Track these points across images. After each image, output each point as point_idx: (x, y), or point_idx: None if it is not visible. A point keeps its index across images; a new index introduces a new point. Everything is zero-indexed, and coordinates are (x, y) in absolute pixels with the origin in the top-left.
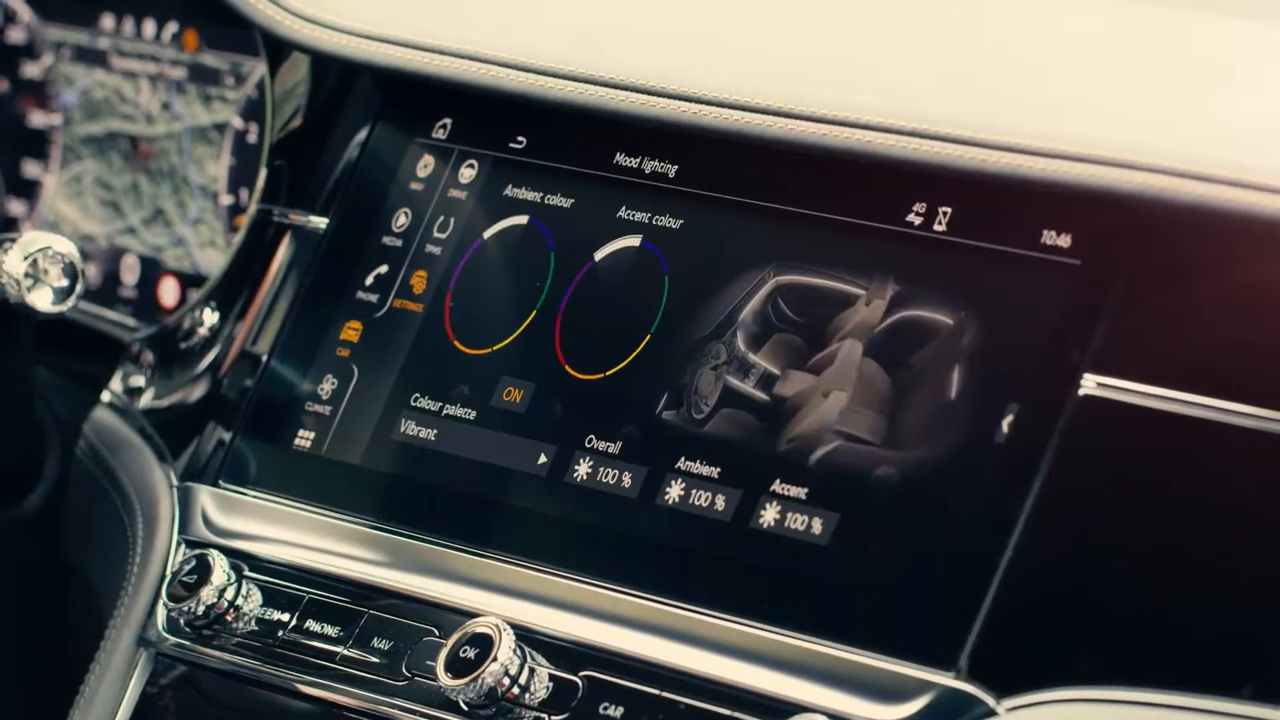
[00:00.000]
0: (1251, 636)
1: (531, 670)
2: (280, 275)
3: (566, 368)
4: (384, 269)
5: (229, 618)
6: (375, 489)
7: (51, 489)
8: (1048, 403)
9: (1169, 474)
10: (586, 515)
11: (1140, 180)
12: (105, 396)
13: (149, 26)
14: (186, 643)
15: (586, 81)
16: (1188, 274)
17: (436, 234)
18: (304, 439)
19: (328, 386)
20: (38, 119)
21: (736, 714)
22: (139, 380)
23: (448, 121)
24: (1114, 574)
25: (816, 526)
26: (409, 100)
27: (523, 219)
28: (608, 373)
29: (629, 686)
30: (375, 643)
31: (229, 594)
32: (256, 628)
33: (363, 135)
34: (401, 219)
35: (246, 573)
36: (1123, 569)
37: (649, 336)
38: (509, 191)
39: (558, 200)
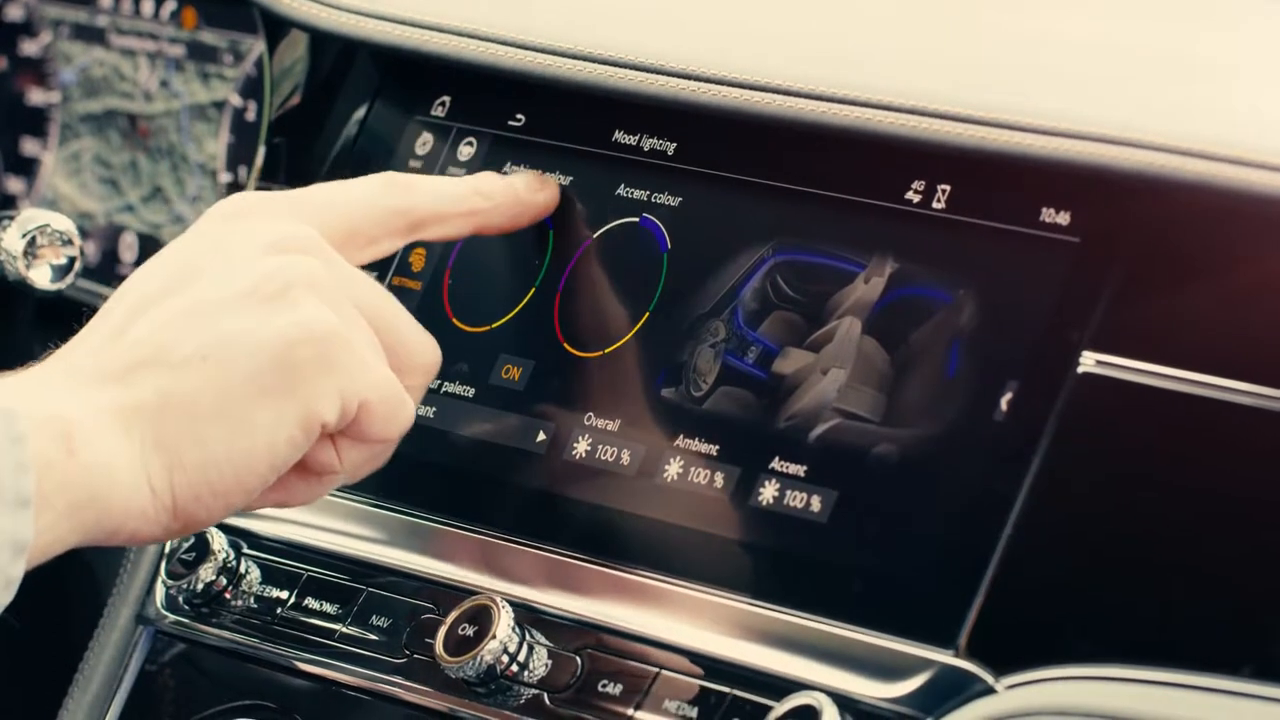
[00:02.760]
0: (1251, 614)
1: (530, 648)
2: None
3: (565, 345)
4: None
5: (228, 595)
6: None
7: None
8: (1046, 380)
9: (1168, 452)
10: (585, 493)
11: (1140, 158)
12: None
13: (147, 4)
14: (185, 620)
15: (585, 59)
16: (1187, 252)
17: None
18: None
19: None
20: (36, 97)
21: (735, 691)
22: None
23: (446, 99)
24: (1113, 552)
25: (815, 504)
26: (407, 78)
27: None
28: (606, 350)
29: (628, 664)
30: (374, 620)
31: (228, 571)
32: (255, 605)
33: (361, 113)
34: None
35: (245, 550)
36: (1122, 547)
37: (648, 314)
38: (507, 169)
39: (556, 178)
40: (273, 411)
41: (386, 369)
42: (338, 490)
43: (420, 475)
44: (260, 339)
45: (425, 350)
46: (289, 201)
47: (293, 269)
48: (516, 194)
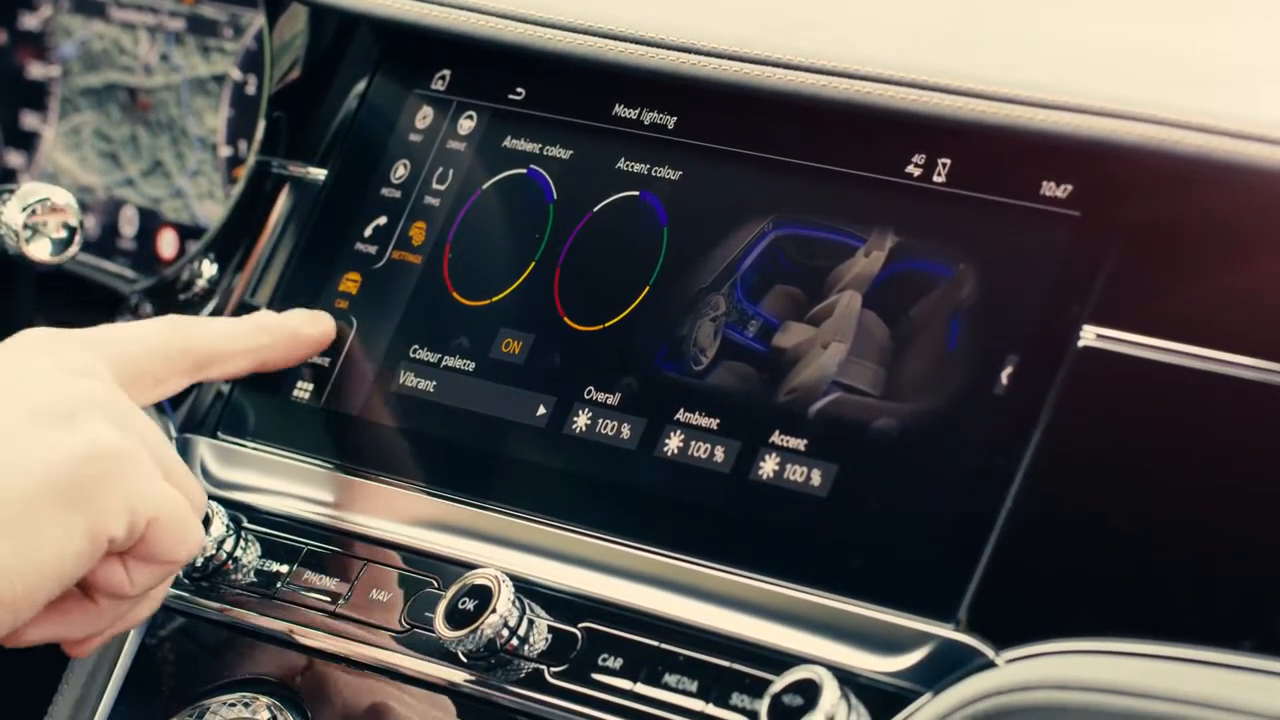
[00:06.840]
0: (1251, 589)
1: (530, 622)
2: (279, 227)
3: (565, 319)
4: (383, 220)
5: (228, 569)
6: (374, 440)
7: None
8: (1047, 354)
9: (1168, 425)
10: (586, 467)
11: (1140, 131)
12: None
13: None
14: (185, 594)
15: (586, 33)
16: (1187, 225)
17: (435, 185)
18: (303, 390)
19: None
20: (36, 71)
21: (736, 665)
22: None
23: (446, 73)
24: (1113, 525)
25: (815, 478)
26: (407, 51)
27: (521, 170)
28: (607, 324)
29: (628, 638)
30: (374, 594)
31: (228, 545)
32: (255, 579)
33: (361, 87)
34: (400, 170)
35: (245, 524)
36: (1121, 520)
37: (648, 288)
38: (508, 143)
39: (557, 151)
40: (61, 525)
41: (173, 489)
42: (338, 462)
43: (421, 449)
44: (48, 457)
45: (197, 489)
46: (81, 339)
47: (81, 392)
48: (291, 330)
